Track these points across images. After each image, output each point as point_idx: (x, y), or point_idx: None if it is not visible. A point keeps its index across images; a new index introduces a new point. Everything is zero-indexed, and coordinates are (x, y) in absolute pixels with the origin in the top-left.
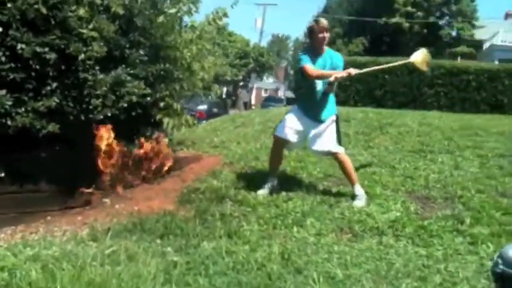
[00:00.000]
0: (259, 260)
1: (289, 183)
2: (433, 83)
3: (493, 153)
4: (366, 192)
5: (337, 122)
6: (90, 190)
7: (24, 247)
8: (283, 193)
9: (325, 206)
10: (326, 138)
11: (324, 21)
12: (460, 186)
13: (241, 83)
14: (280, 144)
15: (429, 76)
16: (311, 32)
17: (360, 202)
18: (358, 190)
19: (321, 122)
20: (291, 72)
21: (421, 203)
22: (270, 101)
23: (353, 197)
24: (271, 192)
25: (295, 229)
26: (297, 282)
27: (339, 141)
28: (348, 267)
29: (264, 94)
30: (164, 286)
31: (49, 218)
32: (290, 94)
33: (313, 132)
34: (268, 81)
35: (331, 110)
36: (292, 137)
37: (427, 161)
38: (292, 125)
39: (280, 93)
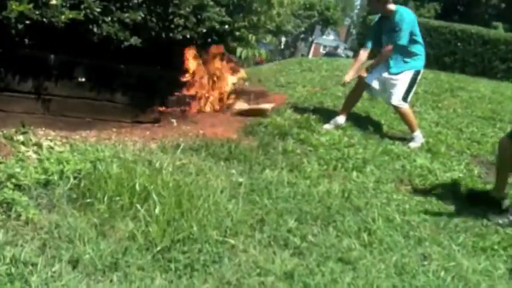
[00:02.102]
0: (320, 194)
1: (352, 131)
2: (506, 58)
3: None
4: (429, 150)
5: (413, 78)
6: (161, 109)
7: (103, 147)
8: (346, 138)
9: (386, 157)
10: (392, 91)
11: None
12: None
13: (301, 36)
14: (362, 84)
15: (503, 50)
16: None
17: (414, 144)
18: (416, 134)
19: (392, 74)
20: (353, 31)
21: (485, 167)
22: (329, 57)
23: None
24: (336, 129)
25: (354, 173)
26: (355, 219)
27: (405, 97)
28: (406, 214)
29: (322, 50)
30: (231, 200)
31: (120, 128)
32: (349, 53)
33: (385, 81)
34: (329, 37)
35: (404, 65)
36: (375, 83)
37: (495, 129)
38: (375, 72)
39: (339, 51)
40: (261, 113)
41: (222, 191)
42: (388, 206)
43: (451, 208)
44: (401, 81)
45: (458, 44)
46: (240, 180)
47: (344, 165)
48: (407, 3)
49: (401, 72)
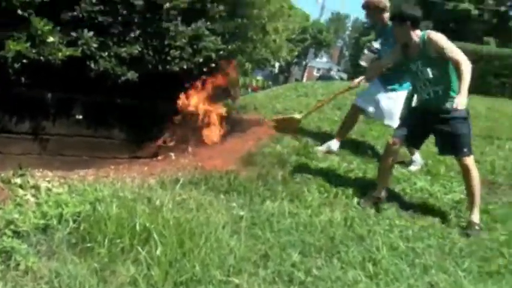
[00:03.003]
0: (322, 224)
1: (351, 155)
2: (499, 73)
3: None
4: (427, 172)
5: (407, 98)
6: (159, 143)
7: (102, 186)
8: (345, 164)
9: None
10: (389, 111)
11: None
12: None
13: (295, 60)
14: (355, 109)
15: (496, 66)
16: None
17: (414, 166)
18: (415, 157)
19: (389, 91)
20: (346, 53)
21: (486, 187)
22: (324, 80)
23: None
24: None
25: (355, 200)
26: (359, 248)
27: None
28: (410, 241)
29: (315, 73)
30: (233, 236)
31: (118, 165)
32: (343, 75)
33: (380, 97)
34: (322, 60)
35: (401, 84)
36: (368, 107)
37: (494, 147)
38: (367, 94)
39: (333, 73)
40: (294, 122)
41: (224, 227)
42: (391, 232)
43: (455, 231)
44: (397, 101)
45: None
46: (241, 213)
47: (345, 192)
48: None
49: (398, 90)
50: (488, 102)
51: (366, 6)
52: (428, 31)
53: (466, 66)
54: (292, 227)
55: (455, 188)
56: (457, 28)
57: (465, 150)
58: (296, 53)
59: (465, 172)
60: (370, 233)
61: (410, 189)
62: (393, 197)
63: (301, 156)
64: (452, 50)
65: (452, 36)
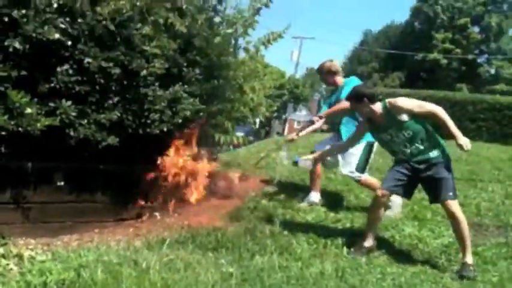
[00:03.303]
0: (314, 276)
1: (336, 205)
2: (475, 117)
3: None
4: (414, 217)
5: (368, 150)
6: (142, 203)
7: (86, 251)
8: (332, 214)
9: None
10: (344, 161)
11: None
12: None
13: (275, 114)
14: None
15: (471, 110)
16: None
17: (391, 212)
18: (392, 200)
19: None
20: (323, 106)
21: (473, 230)
22: None
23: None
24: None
25: (345, 250)
26: None
27: (362, 169)
28: None
29: (296, 126)
30: None
31: (102, 228)
32: (324, 127)
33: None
34: (301, 113)
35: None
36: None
37: (477, 190)
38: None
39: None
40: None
41: (214, 286)
42: (383, 281)
43: (447, 275)
44: (355, 153)
45: None
46: (231, 270)
47: (334, 242)
48: (371, 75)
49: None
50: None
51: (319, 70)
52: (388, 100)
53: (441, 112)
54: (284, 281)
55: (443, 232)
56: (428, 77)
57: (450, 194)
58: (275, 108)
59: (451, 216)
60: (362, 283)
61: (399, 236)
62: (383, 244)
63: (288, 209)
64: (420, 105)
65: (424, 85)
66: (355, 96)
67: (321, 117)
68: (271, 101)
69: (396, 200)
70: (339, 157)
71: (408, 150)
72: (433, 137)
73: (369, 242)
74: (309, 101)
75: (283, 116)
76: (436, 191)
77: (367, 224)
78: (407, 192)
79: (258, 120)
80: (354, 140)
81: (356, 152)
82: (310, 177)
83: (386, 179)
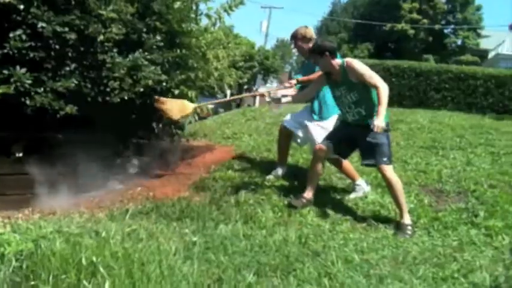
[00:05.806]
0: (277, 243)
1: (302, 174)
2: (440, 87)
3: (504, 151)
4: (378, 184)
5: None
6: (107, 174)
7: (47, 223)
8: (296, 183)
9: (338, 196)
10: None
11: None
12: (473, 181)
13: (245, 86)
14: (283, 134)
15: (436, 80)
16: None
17: (355, 194)
18: (359, 182)
19: (319, 120)
20: (295, 77)
21: (434, 196)
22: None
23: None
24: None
25: (309, 217)
26: (315, 264)
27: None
28: (365, 253)
29: (267, 99)
30: (186, 262)
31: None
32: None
33: (309, 124)
34: (272, 85)
35: (333, 110)
36: (297, 130)
37: (439, 157)
38: (296, 118)
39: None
40: (186, 108)
41: (175, 254)
42: (345, 246)
43: (408, 240)
44: (327, 129)
45: (393, 79)
46: (194, 239)
47: (299, 210)
48: (340, 46)
49: (327, 119)
50: (431, 115)
51: (293, 36)
52: (347, 59)
53: (383, 90)
54: (247, 249)
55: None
56: (396, 48)
57: (385, 159)
58: (245, 80)
59: (386, 180)
60: (325, 248)
61: (362, 203)
62: (346, 211)
63: (254, 178)
64: (371, 75)
65: (392, 56)
66: (318, 50)
67: (297, 81)
68: (241, 72)
69: (362, 185)
70: (312, 133)
71: (351, 112)
72: (377, 107)
73: (308, 194)
74: (279, 72)
75: (254, 88)
76: (370, 155)
77: (308, 178)
78: (343, 151)
79: (228, 93)
80: (314, 88)
81: (329, 128)
82: (277, 151)
83: (326, 136)
